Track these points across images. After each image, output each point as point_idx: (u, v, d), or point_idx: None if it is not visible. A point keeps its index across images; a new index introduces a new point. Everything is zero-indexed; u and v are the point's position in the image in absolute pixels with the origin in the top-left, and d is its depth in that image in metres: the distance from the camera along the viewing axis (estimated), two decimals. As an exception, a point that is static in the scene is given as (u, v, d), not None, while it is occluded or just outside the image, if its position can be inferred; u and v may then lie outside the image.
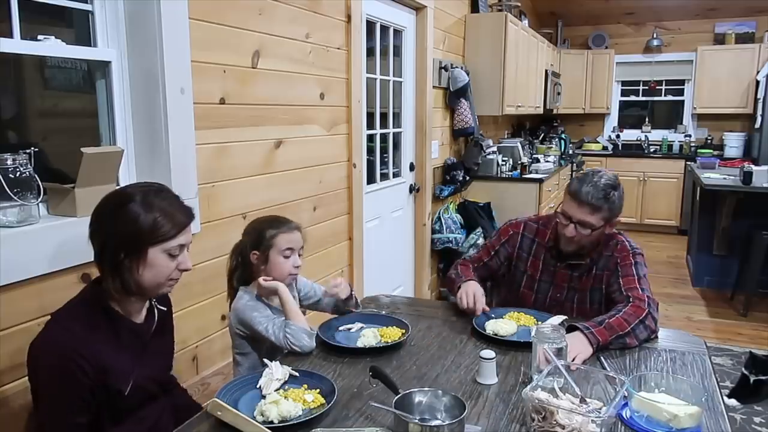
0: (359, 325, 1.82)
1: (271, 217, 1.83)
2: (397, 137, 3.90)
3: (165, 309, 1.47)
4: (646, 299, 1.79)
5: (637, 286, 1.85)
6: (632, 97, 7.56)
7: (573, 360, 1.55)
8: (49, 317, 1.30)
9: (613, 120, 7.67)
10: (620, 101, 7.61)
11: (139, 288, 1.31)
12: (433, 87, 4.06)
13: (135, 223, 1.26)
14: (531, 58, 5.52)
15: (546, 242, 2.04)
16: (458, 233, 4.24)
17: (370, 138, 3.48)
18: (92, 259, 1.62)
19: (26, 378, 1.49)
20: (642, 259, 1.95)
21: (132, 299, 1.34)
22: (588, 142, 7.51)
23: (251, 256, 1.71)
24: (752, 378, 2.84)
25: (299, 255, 1.76)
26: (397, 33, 3.75)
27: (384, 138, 3.74)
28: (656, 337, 1.78)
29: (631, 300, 1.80)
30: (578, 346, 1.62)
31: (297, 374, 1.45)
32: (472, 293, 1.91)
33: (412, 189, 4.06)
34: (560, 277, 2.02)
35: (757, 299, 4.30)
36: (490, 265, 2.14)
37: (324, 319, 1.88)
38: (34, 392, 1.26)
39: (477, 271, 2.12)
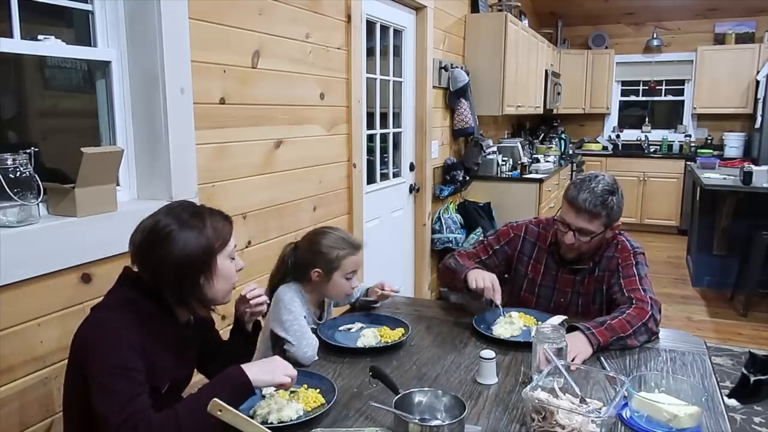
0: (359, 325, 1.82)
1: (335, 232, 1.78)
2: (397, 137, 3.90)
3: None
4: (649, 301, 1.78)
5: (639, 287, 1.83)
6: (632, 97, 7.56)
7: (573, 360, 1.55)
8: (92, 306, 1.29)
9: (613, 120, 7.67)
10: (620, 101, 7.61)
11: (215, 301, 1.32)
12: (433, 87, 4.06)
13: (202, 238, 1.26)
14: (531, 58, 5.52)
15: (548, 247, 2.02)
16: (458, 233, 4.24)
17: (370, 138, 3.48)
18: (92, 259, 1.63)
19: (26, 378, 1.51)
20: (643, 258, 1.94)
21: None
22: (588, 142, 7.51)
23: (312, 273, 1.71)
24: (752, 378, 2.84)
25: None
26: (397, 33, 3.75)
27: (384, 138, 3.74)
28: (657, 337, 1.78)
29: (634, 302, 1.78)
30: (578, 346, 1.62)
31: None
32: (489, 279, 1.86)
33: (412, 189, 4.06)
34: (563, 282, 2.00)
35: (757, 299, 4.30)
36: (487, 264, 2.08)
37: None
38: (88, 381, 1.19)
39: None
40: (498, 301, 1.85)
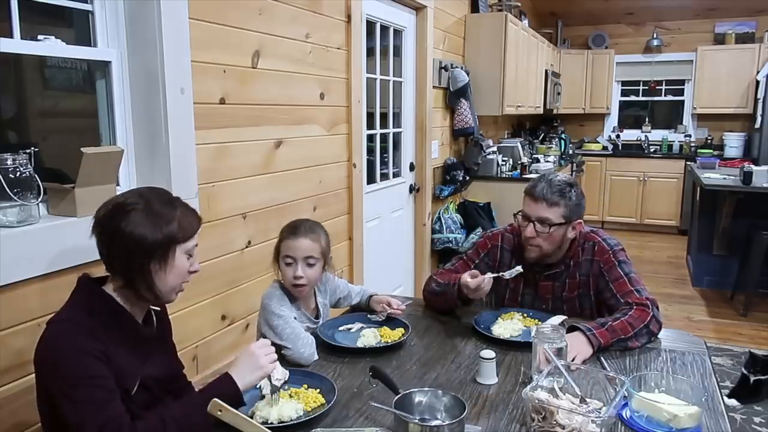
0: (359, 325, 1.82)
1: (294, 221, 1.75)
2: (397, 137, 3.90)
3: (159, 309, 1.46)
4: (648, 302, 1.77)
5: (632, 288, 1.82)
6: (632, 97, 7.56)
7: (573, 360, 1.55)
8: (47, 321, 1.26)
9: (613, 120, 7.67)
10: (620, 101, 7.61)
11: (162, 292, 1.30)
12: (433, 87, 4.06)
13: (166, 225, 1.26)
14: (531, 58, 5.52)
15: (525, 254, 1.97)
16: (458, 233, 4.24)
17: (370, 138, 3.48)
18: (91, 259, 1.63)
19: (24, 378, 1.50)
20: (624, 254, 1.91)
21: (142, 302, 1.34)
22: (588, 142, 7.51)
23: (273, 264, 1.73)
24: (752, 378, 2.84)
25: (309, 265, 1.67)
26: (397, 33, 3.75)
27: (384, 138, 3.74)
28: (656, 337, 1.78)
29: (634, 306, 1.76)
30: (578, 346, 1.62)
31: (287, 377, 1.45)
32: (476, 275, 1.79)
33: (412, 189, 4.06)
34: (543, 289, 1.98)
35: (757, 299, 4.30)
36: None
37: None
38: (54, 396, 1.18)
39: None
40: (507, 276, 1.81)
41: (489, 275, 1.78)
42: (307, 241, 1.67)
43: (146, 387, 1.31)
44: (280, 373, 1.43)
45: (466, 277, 1.79)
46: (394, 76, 3.74)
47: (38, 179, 1.53)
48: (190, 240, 1.32)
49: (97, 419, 1.12)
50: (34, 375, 1.49)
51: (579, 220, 1.89)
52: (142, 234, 1.24)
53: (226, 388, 1.24)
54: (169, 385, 1.47)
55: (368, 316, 1.87)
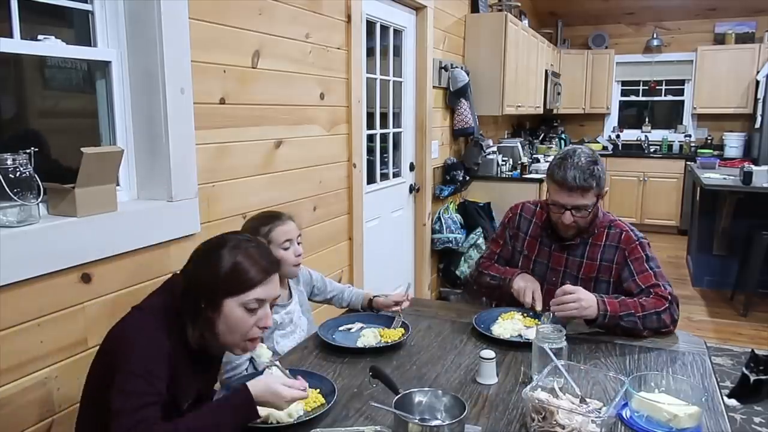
0: (359, 325, 1.82)
1: (261, 214, 1.85)
2: (397, 137, 3.90)
3: None
4: (669, 297, 1.79)
5: (658, 282, 1.83)
6: (632, 97, 7.56)
7: (574, 303, 1.66)
8: (133, 306, 1.29)
9: (613, 120, 7.67)
10: (620, 101, 7.61)
11: (216, 342, 1.27)
12: (433, 87, 4.06)
13: (216, 269, 1.23)
14: (531, 58, 5.52)
15: (543, 223, 2.03)
16: (458, 233, 4.24)
17: (370, 138, 3.47)
18: (92, 259, 1.63)
19: (24, 378, 1.50)
20: (650, 249, 1.93)
21: None
22: (588, 142, 7.49)
23: None
24: (752, 377, 2.84)
25: (299, 243, 1.79)
26: (397, 33, 3.75)
27: (384, 138, 3.73)
28: (671, 331, 1.79)
29: (652, 294, 1.80)
30: (586, 297, 1.69)
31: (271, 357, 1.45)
32: (530, 291, 1.90)
33: (412, 189, 4.06)
34: (556, 260, 2.00)
35: (757, 299, 4.30)
36: (503, 256, 2.12)
37: (324, 318, 1.88)
38: (108, 378, 1.18)
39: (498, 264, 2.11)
40: (539, 308, 1.87)
41: (535, 302, 1.88)
42: (293, 223, 1.80)
43: (194, 402, 1.32)
44: (265, 356, 1.43)
45: (517, 283, 1.92)
46: (394, 76, 3.74)
47: (38, 179, 1.53)
48: (246, 293, 1.24)
49: (135, 415, 1.11)
50: (51, 367, 1.50)
51: (606, 189, 1.92)
52: (197, 273, 1.27)
53: (240, 400, 1.20)
54: (207, 401, 1.46)
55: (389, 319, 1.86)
